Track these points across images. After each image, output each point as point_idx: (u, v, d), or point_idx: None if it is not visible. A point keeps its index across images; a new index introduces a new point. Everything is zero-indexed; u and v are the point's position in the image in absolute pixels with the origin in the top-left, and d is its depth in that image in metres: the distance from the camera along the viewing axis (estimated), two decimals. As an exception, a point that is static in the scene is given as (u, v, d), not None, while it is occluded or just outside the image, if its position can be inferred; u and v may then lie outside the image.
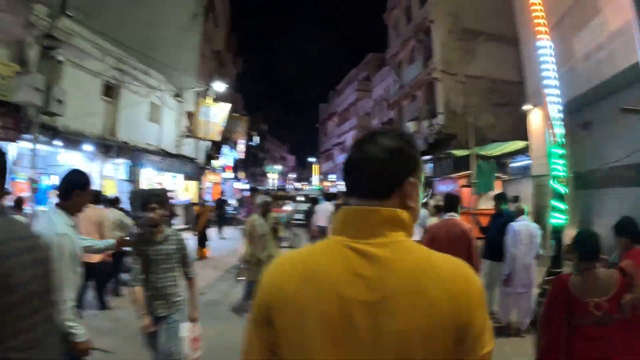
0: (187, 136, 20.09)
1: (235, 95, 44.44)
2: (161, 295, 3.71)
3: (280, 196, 20.05)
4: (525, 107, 13.98)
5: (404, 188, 1.09)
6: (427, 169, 22.40)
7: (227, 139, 26.75)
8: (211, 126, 19.83)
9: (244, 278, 7.09)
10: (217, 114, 20.27)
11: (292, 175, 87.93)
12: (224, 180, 32.50)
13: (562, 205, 6.81)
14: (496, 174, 15.02)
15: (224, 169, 32.05)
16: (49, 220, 2.86)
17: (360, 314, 0.97)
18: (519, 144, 14.75)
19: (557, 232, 7.06)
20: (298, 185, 69.91)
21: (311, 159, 66.93)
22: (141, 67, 16.51)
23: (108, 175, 14.49)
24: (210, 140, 20.27)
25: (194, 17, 21.04)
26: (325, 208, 12.73)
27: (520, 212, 6.54)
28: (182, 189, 19.88)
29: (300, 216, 16.23)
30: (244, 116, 29.07)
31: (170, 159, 18.30)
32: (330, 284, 1.01)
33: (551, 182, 6.94)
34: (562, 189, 6.83)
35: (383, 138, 1.12)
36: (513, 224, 6.31)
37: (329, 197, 15.74)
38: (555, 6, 11.25)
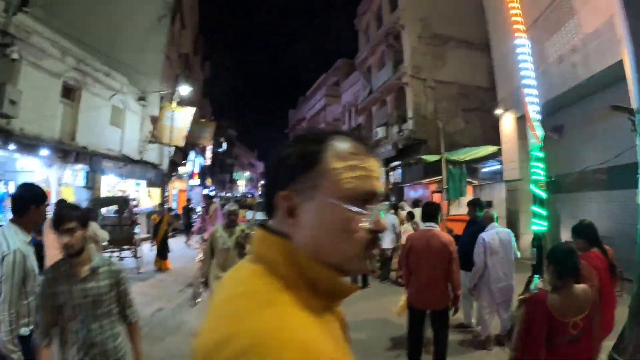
0: (151, 141, 19.37)
1: (203, 100, 43.73)
2: (95, 354, 2.62)
3: (248, 204, 19.17)
4: (497, 112, 13.91)
5: (277, 204, 0.91)
6: (397, 175, 22.26)
7: (194, 144, 26.06)
8: (175, 131, 19.17)
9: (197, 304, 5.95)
10: (181, 119, 19.65)
11: (262, 182, 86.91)
12: (191, 187, 31.73)
13: (542, 211, 6.56)
14: (467, 179, 14.86)
15: (191, 175, 31.30)
16: (1, 236, 2.75)
17: None
18: (490, 149, 14.62)
19: (539, 238, 6.79)
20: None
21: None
22: (103, 69, 15.82)
23: (67, 182, 13.72)
24: (174, 146, 19.55)
25: (160, 19, 20.36)
26: None
27: (489, 219, 6.11)
28: (145, 196, 19.12)
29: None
30: (211, 121, 28.27)
31: (132, 165, 17.55)
32: None
33: (531, 186, 6.70)
34: (543, 194, 6.58)
35: (281, 147, 0.96)
36: (483, 235, 5.87)
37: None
38: (529, 9, 11.15)
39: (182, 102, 21.30)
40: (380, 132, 22.89)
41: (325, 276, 0.86)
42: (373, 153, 0.95)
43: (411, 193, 18.89)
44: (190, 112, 19.95)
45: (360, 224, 0.87)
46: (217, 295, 0.86)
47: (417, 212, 13.04)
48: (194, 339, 0.78)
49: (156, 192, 19.66)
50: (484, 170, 17.80)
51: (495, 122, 14.77)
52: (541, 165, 6.66)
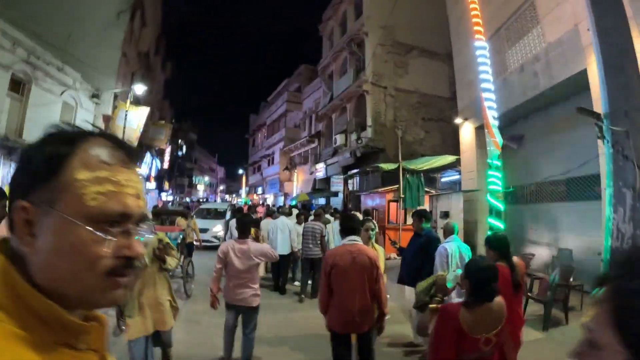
0: (101, 142, 18.41)
1: (163, 101, 42.62)
2: None
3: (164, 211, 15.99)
4: (456, 121, 13.80)
5: (13, 215, 0.73)
6: (355, 183, 21.98)
7: (149, 146, 25.13)
8: (128, 131, 18.32)
9: (125, 332, 4.46)
10: (135, 119, 18.87)
11: (222, 187, 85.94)
12: (147, 190, 30.62)
13: (499, 223, 6.24)
14: (425, 189, 14.66)
15: (148, 178, 30.20)
16: None
17: None
18: (449, 159, 14.49)
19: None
20: (227, 197, 68.04)
21: (241, 171, 65.31)
22: (56, 63, 15.07)
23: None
24: (126, 146, 18.64)
25: (119, 14, 19.51)
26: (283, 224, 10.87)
27: (449, 232, 5.66)
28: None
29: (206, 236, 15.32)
30: (167, 123, 27.39)
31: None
32: None
33: (488, 197, 6.37)
34: (500, 205, 6.26)
35: (29, 145, 0.80)
36: (445, 244, 5.46)
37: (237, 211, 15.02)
38: (492, 18, 11.06)
39: (139, 102, 20.56)
40: (339, 139, 22.65)
41: (46, 309, 0.69)
42: (135, 163, 0.81)
43: (368, 202, 18.58)
44: (144, 112, 19.16)
45: (104, 249, 0.72)
46: None
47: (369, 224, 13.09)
48: None
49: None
50: (442, 180, 17.70)
51: (454, 132, 14.65)
52: (499, 174, 6.38)
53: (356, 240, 4.27)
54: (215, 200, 58.82)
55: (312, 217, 10.44)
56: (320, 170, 26.87)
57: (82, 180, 0.71)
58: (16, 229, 0.72)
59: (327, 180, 26.43)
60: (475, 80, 12.90)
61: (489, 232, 6.48)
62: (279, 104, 41.05)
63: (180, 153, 57.02)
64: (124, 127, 17.79)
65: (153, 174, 32.64)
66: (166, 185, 45.71)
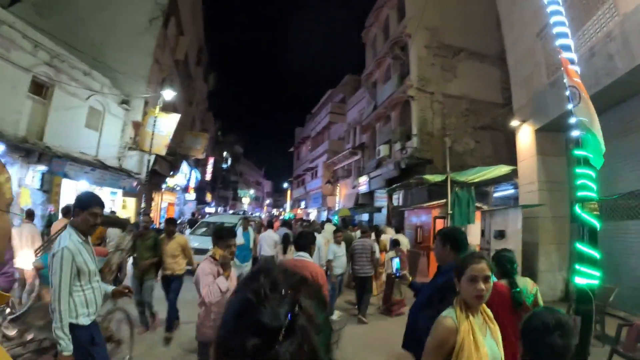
0: (131, 148, 17.76)
1: (207, 113, 42.37)
2: None
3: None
4: (512, 124, 12.10)
5: None
6: (399, 198, 20.31)
7: (185, 156, 24.42)
8: (158, 138, 17.52)
9: None
10: (164, 126, 18.04)
11: (268, 201, 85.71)
12: (185, 201, 30.02)
13: (593, 252, 4.19)
14: (476, 204, 12.96)
15: (186, 189, 29.60)
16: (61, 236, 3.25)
17: None
18: (503, 169, 12.69)
19: (585, 299, 4.34)
20: (274, 211, 67.27)
21: (286, 185, 64.63)
22: (82, 67, 14.66)
23: (27, 185, 12.34)
24: (155, 154, 17.84)
25: (152, 21, 19.08)
26: (268, 236, 11.03)
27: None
28: (119, 207, 17.37)
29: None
30: (204, 133, 26.66)
31: (103, 171, 15.86)
32: None
33: (576, 208, 4.28)
34: (595, 222, 4.19)
35: None
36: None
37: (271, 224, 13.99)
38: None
39: (176, 109, 19.99)
40: (382, 150, 21.07)
41: None
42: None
43: (412, 218, 16.85)
44: (174, 118, 18.33)
45: None
46: None
47: (401, 238, 11.46)
48: None
49: (131, 201, 17.86)
50: (495, 195, 15.82)
51: (508, 142, 12.95)
52: (592, 173, 4.39)
53: (305, 256, 4.38)
54: (259, 216, 56.95)
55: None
56: (363, 184, 25.16)
57: None
58: None
59: (370, 194, 24.83)
60: (532, 76, 11.23)
61: (577, 268, 4.39)
62: (322, 116, 39.93)
63: (225, 166, 56.92)
64: (152, 134, 16.99)
65: (192, 184, 32.07)
66: (209, 197, 45.32)
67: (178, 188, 26.40)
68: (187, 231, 15.78)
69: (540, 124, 10.59)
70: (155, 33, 19.38)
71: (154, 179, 21.42)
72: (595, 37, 8.36)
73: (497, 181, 13.60)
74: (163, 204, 25.19)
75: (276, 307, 0.72)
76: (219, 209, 49.48)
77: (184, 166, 25.81)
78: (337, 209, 30.42)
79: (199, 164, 37.40)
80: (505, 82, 17.37)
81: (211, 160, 42.47)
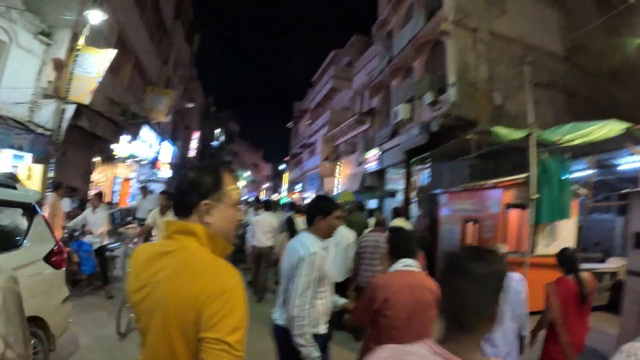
0: (47, 96, 12.45)
1: (193, 82, 36.91)
2: None
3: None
4: None
5: (199, 208, 1.57)
6: (424, 177, 14.81)
7: (145, 118, 19.00)
8: (80, 81, 12.31)
9: None
10: (94, 64, 12.66)
11: (267, 184, 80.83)
12: (151, 174, 24.62)
13: None
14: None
15: (154, 163, 24.18)
16: (297, 242, 3.18)
17: (147, 288, 1.50)
18: (617, 126, 7.38)
19: None
20: (274, 196, 62.13)
21: (282, 167, 59.32)
22: None
23: None
24: (74, 103, 12.41)
25: None
26: (264, 221, 9.17)
27: None
28: (25, 176, 11.87)
29: None
30: (169, 90, 21.07)
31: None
32: (137, 267, 1.58)
33: None
34: None
35: (190, 172, 1.67)
36: None
37: (268, 206, 10.05)
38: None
39: (129, 57, 14.55)
40: (401, 111, 15.51)
41: (222, 243, 1.62)
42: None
43: (455, 207, 10.38)
44: (108, 55, 12.83)
45: (238, 218, 1.74)
46: (184, 257, 1.50)
47: (400, 222, 8.65)
48: (209, 281, 1.39)
49: (38, 169, 12.32)
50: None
51: (571, 107, 7.61)
52: None
53: (411, 266, 3.00)
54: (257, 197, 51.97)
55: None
56: (372, 159, 19.44)
57: (230, 189, 1.65)
58: (205, 214, 1.57)
59: (380, 174, 19.20)
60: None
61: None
62: (324, 82, 34.25)
63: (216, 143, 51.67)
64: (70, 74, 11.71)
65: (166, 160, 26.69)
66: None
67: (137, 160, 20.86)
68: None
69: None
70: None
71: (97, 145, 16.17)
72: None
73: (603, 146, 8.12)
74: (118, 180, 19.95)
75: None
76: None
77: (147, 133, 20.39)
78: (336, 193, 24.83)
79: (179, 137, 32.00)
80: (567, 29, 13.85)
81: (196, 135, 37.12)
